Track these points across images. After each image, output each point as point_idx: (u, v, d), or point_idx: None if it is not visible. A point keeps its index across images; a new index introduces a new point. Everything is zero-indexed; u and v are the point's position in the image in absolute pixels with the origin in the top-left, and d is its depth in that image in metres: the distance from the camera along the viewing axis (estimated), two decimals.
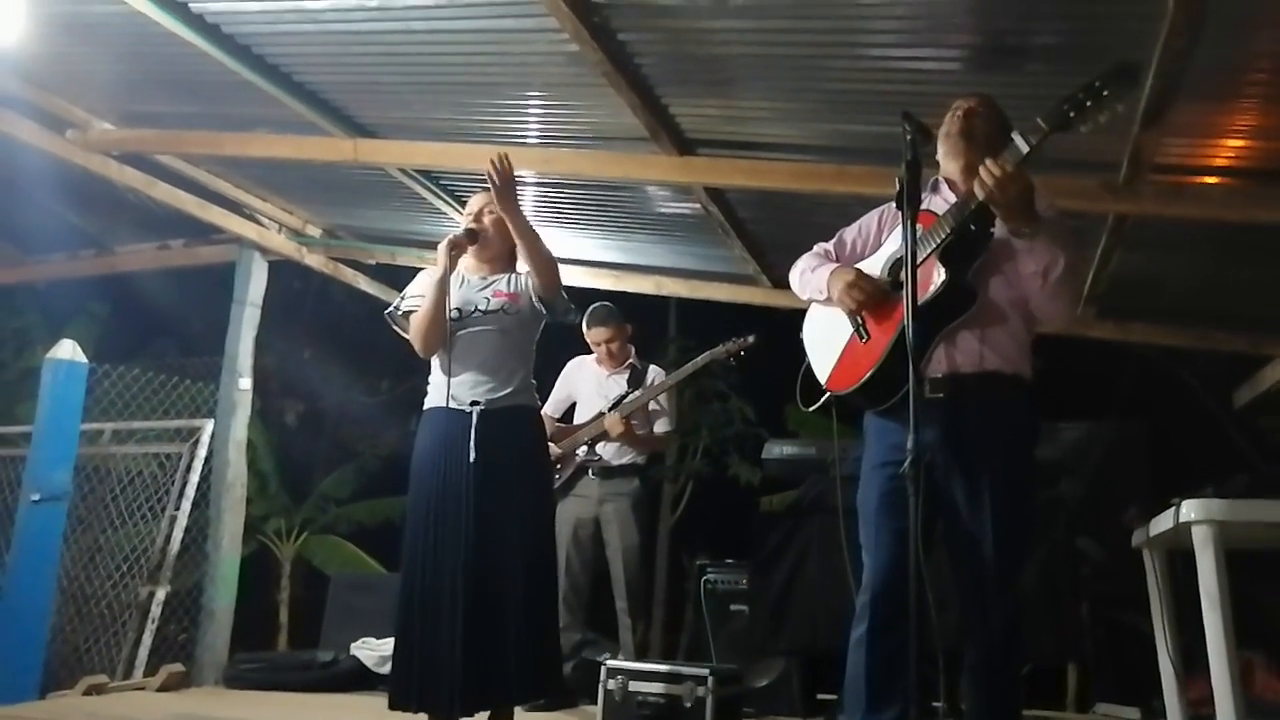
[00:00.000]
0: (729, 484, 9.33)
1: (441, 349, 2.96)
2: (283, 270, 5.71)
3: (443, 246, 2.91)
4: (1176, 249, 4.20)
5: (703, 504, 9.74)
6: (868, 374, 2.32)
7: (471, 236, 2.99)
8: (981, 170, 2.15)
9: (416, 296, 3.00)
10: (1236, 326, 4.86)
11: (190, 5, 3.36)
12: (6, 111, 4.17)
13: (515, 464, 2.90)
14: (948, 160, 2.44)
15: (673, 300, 8.85)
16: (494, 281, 3.03)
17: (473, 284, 3.04)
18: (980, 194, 2.16)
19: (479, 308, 2.96)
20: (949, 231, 2.25)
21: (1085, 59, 2.83)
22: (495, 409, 2.90)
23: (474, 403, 2.89)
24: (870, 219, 2.59)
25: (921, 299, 2.20)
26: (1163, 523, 2.81)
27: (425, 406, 3.04)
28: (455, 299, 2.98)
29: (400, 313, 3.04)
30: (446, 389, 2.94)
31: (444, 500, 2.86)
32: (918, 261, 2.22)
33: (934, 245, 2.26)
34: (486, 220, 3.04)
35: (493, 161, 2.82)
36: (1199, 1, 2.47)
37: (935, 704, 2.23)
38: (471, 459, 2.83)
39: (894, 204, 2.49)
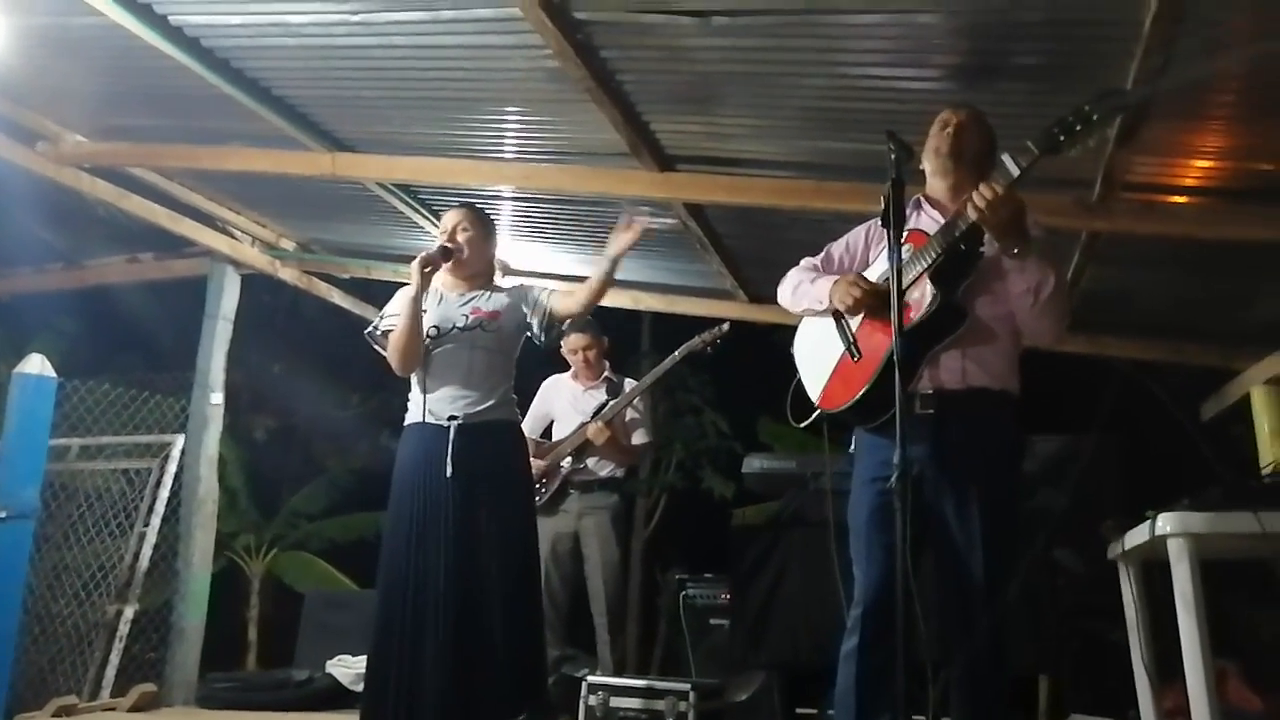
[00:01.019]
0: (702, 497, 9.35)
1: (419, 366, 2.96)
2: (253, 284, 5.64)
3: (415, 265, 2.90)
4: (1148, 265, 4.28)
5: (676, 518, 9.75)
6: (860, 393, 2.34)
7: (445, 254, 2.98)
8: (974, 195, 2.18)
9: (394, 315, 2.99)
10: (1208, 340, 4.96)
11: (170, 19, 3.33)
12: None
13: (494, 477, 2.90)
14: (935, 178, 2.47)
15: (646, 316, 8.87)
16: (473, 298, 3.03)
17: (450, 300, 3.03)
18: (973, 215, 2.19)
19: (456, 325, 2.96)
20: (940, 251, 2.28)
21: (1064, 79, 2.89)
22: (473, 424, 2.90)
23: (451, 418, 2.89)
24: (857, 236, 2.61)
25: (914, 318, 2.23)
26: (1138, 535, 2.85)
27: (405, 422, 3.03)
28: (433, 316, 2.98)
29: (380, 332, 3.03)
30: (424, 405, 2.94)
31: (423, 516, 2.86)
32: (910, 281, 2.26)
33: (925, 265, 2.29)
34: (461, 238, 3.03)
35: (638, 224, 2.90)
36: (1173, 24, 2.53)
37: (918, 717, 2.25)
38: (449, 473, 2.83)
39: (876, 220, 2.53)
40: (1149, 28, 2.55)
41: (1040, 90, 2.96)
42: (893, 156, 2.23)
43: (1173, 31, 2.56)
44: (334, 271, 5.86)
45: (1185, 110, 3.10)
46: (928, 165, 2.47)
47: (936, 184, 2.47)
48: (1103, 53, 2.76)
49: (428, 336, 2.95)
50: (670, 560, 9.56)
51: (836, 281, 2.45)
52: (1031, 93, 3.01)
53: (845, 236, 2.64)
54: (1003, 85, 3.05)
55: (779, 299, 2.64)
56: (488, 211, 3.27)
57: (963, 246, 2.28)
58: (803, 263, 2.63)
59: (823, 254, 2.63)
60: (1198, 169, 3.47)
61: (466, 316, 2.96)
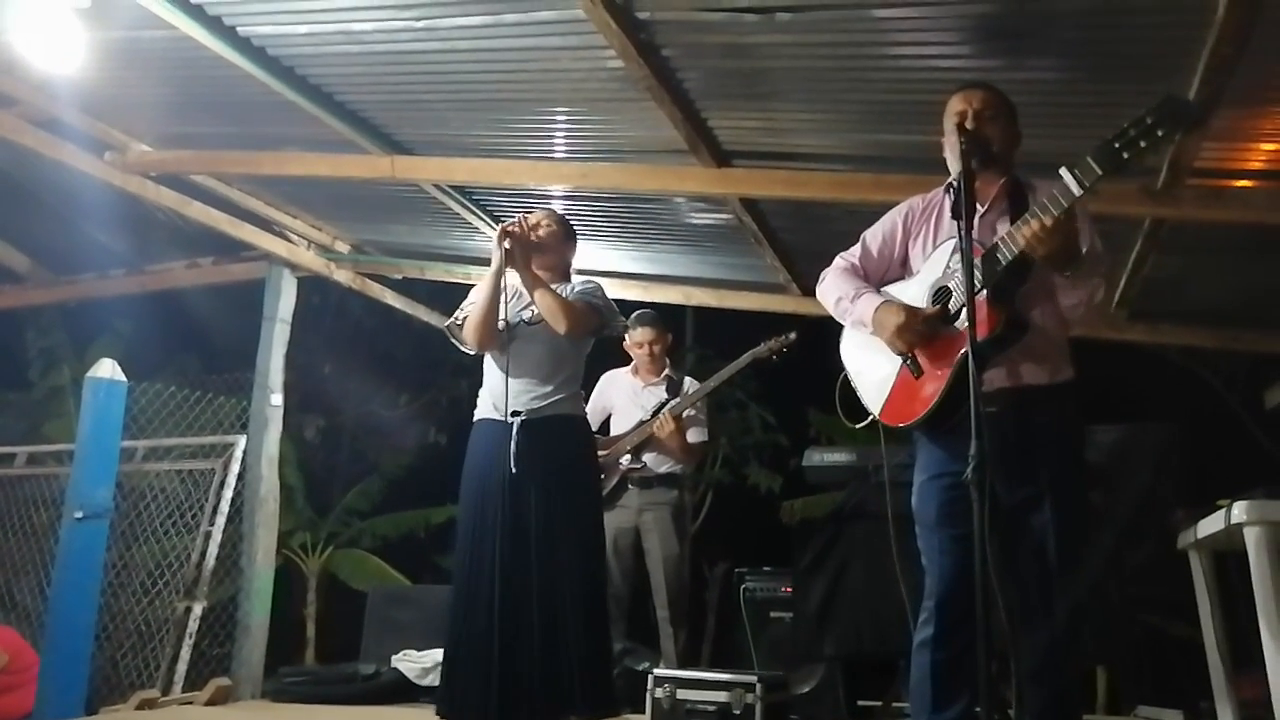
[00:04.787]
0: (748, 492, 9.35)
1: (496, 354, 2.99)
2: (302, 285, 5.67)
3: (495, 237, 2.95)
4: (1211, 252, 4.22)
5: (722, 513, 9.76)
6: (927, 411, 2.34)
7: (524, 230, 3.02)
8: (1021, 228, 2.18)
9: (472, 304, 3.04)
10: (1272, 327, 4.87)
11: (239, 30, 3.41)
12: (46, 135, 4.23)
13: (559, 473, 2.93)
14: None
15: (689, 310, 8.86)
16: None
17: (523, 295, 3.06)
18: (1021, 246, 2.18)
19: (524, 319, 3.00)
20: (998, 270, 2.24)
21: (1129, 67, 2.87)
22: (537, 419, 2.93)
23: (515, 413, 2.92)
24: (894, 223, 2.57)
25: (984, 338, 2.18)
26: (1212, 524, 2.84)
27: (475, 417, 3.07)
28: (503, 312, 3.00)
29: (459, 323, 3.08)
30: (491, 399, 3.00)
31: (488, 512, 2.90)
32: (964, 304, 2.17)
33: (978, 286, 2.20)
34: (543, 231, 3.08)
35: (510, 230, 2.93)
36: (1248, 9, 2.50)
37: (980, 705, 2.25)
38: (513, 471, 2.87)
39: (913, 206, 2.55)
40: (1223, 12, 2.53)
41: (1110, 79, 2.94)
42: (962, 148, 2.25)
43: (1248, 17, 2.53)
44: (388, 272, 5.92)
45: (1251, 94, 3.05)
46: (950, 159, 2.42)
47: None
48: (1176, 40, 2.74)
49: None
50: (717, 555, 9.58)
51: (880, 311, 2.41)
52: (1101, 81, 2.99)
53: (880, 225, 2.59)
54: (1067, 75, 3.03)
55: (819, 298, 2.62)
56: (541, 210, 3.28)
57: (1013, 265, 2.24)
58: (837, 262, 2.60)
59: (859, 248, 2.58)
60: (1264, 153, 3.42)
61: (534, 310, 2.99)
